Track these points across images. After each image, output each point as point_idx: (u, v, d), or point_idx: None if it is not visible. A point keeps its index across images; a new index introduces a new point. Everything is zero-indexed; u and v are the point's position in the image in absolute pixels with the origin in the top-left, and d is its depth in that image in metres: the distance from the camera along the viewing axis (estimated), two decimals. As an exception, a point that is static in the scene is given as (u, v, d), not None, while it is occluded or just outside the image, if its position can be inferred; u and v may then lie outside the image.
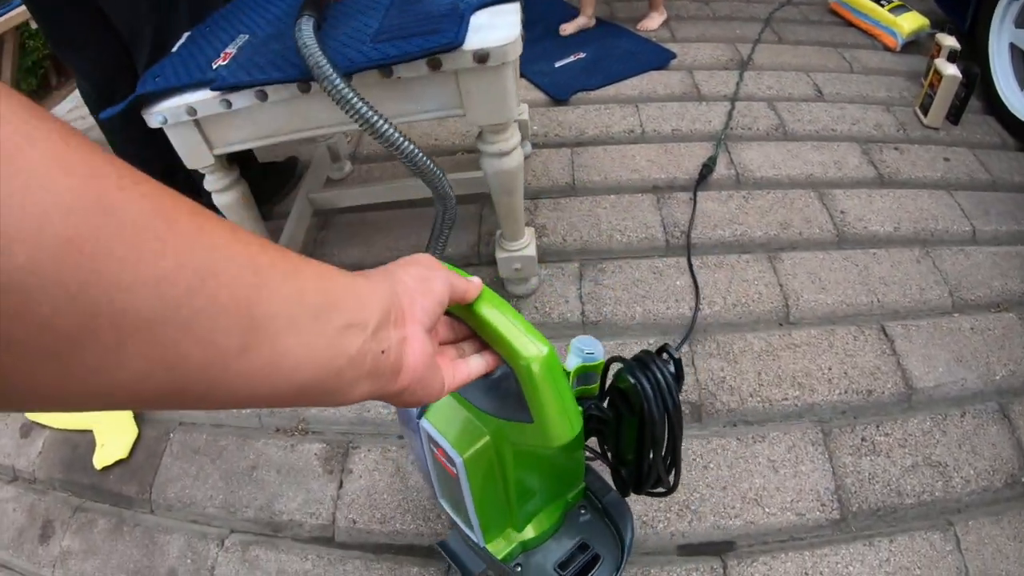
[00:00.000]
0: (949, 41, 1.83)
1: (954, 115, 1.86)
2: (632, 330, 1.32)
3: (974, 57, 1.93)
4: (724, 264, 1.42)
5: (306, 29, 0.84)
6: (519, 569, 0.80)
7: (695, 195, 1.58)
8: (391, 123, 0.81)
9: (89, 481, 1.31)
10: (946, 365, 1.23)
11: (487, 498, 0.71)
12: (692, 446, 1.11)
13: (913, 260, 1.44)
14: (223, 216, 1.17)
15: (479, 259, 1.48)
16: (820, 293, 1.35)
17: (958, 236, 1.52)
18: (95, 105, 1.63)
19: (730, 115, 1.85)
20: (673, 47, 2.20)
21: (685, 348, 1.26)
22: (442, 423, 0.65)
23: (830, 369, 1.22)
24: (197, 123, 0.99)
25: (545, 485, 0.76)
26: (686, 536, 1.02)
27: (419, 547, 1.07)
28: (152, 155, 1.38)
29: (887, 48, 2.28)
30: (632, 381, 0.63)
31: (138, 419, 1.39)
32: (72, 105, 2.85)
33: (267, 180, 1.74)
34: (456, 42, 0.81)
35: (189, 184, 1.35)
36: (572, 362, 0.64)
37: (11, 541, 1.29)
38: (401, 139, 0.84)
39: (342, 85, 0.78)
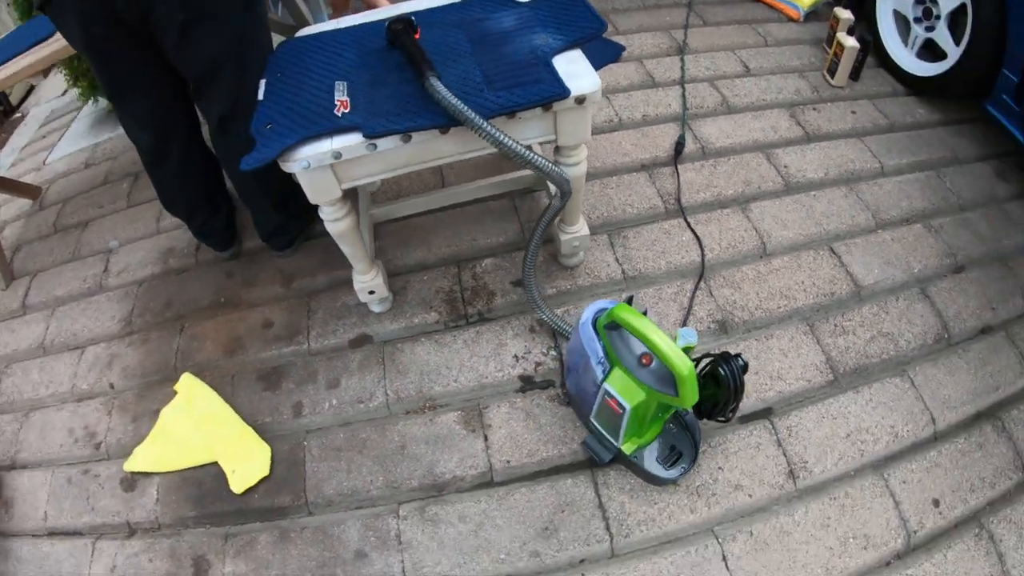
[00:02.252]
0: (845, 15, 2.49)
1: (855, 74, 2.52)
2: (661, 278, 1.86)
3: (864, 20, 2.62)
4: (712, 219, 1.99)
5: (439, 86, 1.26)
6: (635, 459, 1.47)
7: (676, 168, 2.14)
8: (523, 146, 1.29)
9: (232, 507, 1.62)
10: (879, 267, 1.87)
11: (632, 424, 1.39)
12: (726, 348, 1.68)
13: (842, 196, 2.08)
14: (342, 246, 1.60)
15: (525, 243, 1.93)
16: (784, 230, 1.96)
17: (871, 172, 2.17)
18: (153, 155, 1.89)
19: (684, 97, 2.42)
20: (620, 39, 2.76)
21: (702, 284, 1.83)
22: (618, 387, 1.34)
23: (803, 282, 1.83)
24: (333, 164, 1.37)
25: (661, 416, 1.45)
26: (740, 411, 1.58)
27: (564, 465, 1.56)
28: (273, 182, 1.76)
29: (791, 20, 2.95)
30: (721, 371, 1.32)
31: (266, 438, 1.70)
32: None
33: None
34: (565, 93, 1.28)
35: (302, 207, 1.66)
36: (680, 343, 1.28)
37: None
38: (538, 159, 1.32)
39: (491, 128, 1.24)
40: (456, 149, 1.39)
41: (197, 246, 2.27)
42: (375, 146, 1.31)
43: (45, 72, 3.02)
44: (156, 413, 1.86)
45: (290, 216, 2.00)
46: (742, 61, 2.62)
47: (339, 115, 1.34)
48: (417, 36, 1.47)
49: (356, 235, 1.58)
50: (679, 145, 2.19)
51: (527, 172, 1.90)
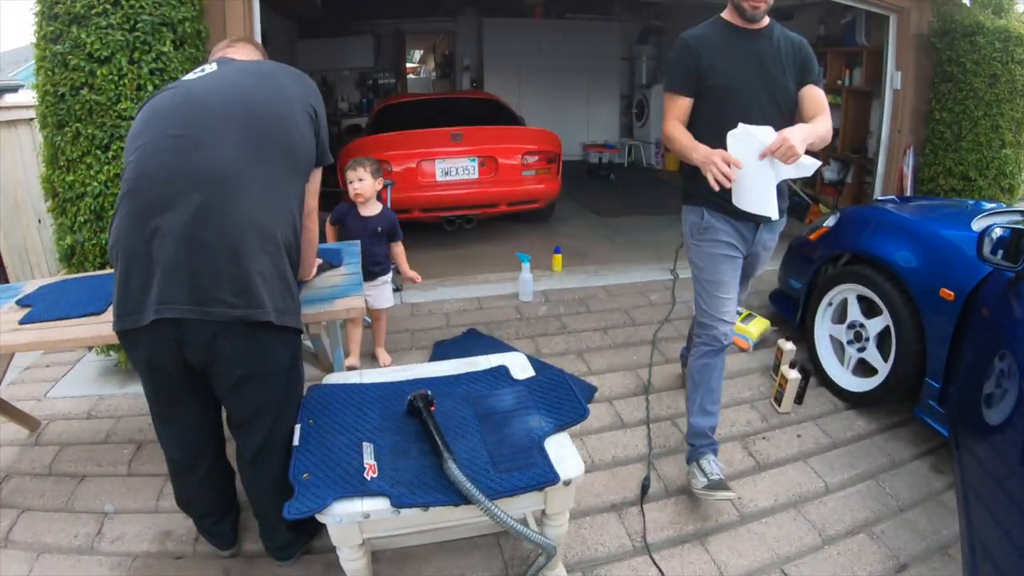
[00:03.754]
0: (788, 346, 3.08)
1: (799, 399, 3.07)
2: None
3: (806, 345, 3.20)
4: (674, 554, 2.32)
5: (456, 472, 1.63)
6: None
7: (642, 508, 2.50)
8: (521, 525, 1.65)
9: None
10: None
11: None
12: None
13: (791, 519, 2.46)
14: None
15: None
16: (739, 559, 2.29)
17: (816, 492, 2.60)
18: (181, 467, 2.17)
19: (649, 438, 2.86)
20: (592, 379, 3.30)
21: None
22: None
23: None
24: (362, 523, 1.68)
25: None
26: None
27: None
28: None
29: (742, 350, 3.54)
30: None
31: None
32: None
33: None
34: (556, 479, 1.67)
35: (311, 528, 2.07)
36: None
37: None
38: (534, 536, 1.67)
39: (499, 513, 1.59)
40: (466, 516, 1.74)
41: (196, 536, 2.47)
42: (399, 512, 1.65)
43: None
44: None
45: (300, 534, 2.28)
46: (699, 397, 3.12)
47: (368, 479, 1.70)
48: (432, 409, 1.90)
49: (368, 571, 1.87)
50: (645, 486, 2.57)
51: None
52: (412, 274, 3.56)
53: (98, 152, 3.39)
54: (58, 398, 3.87)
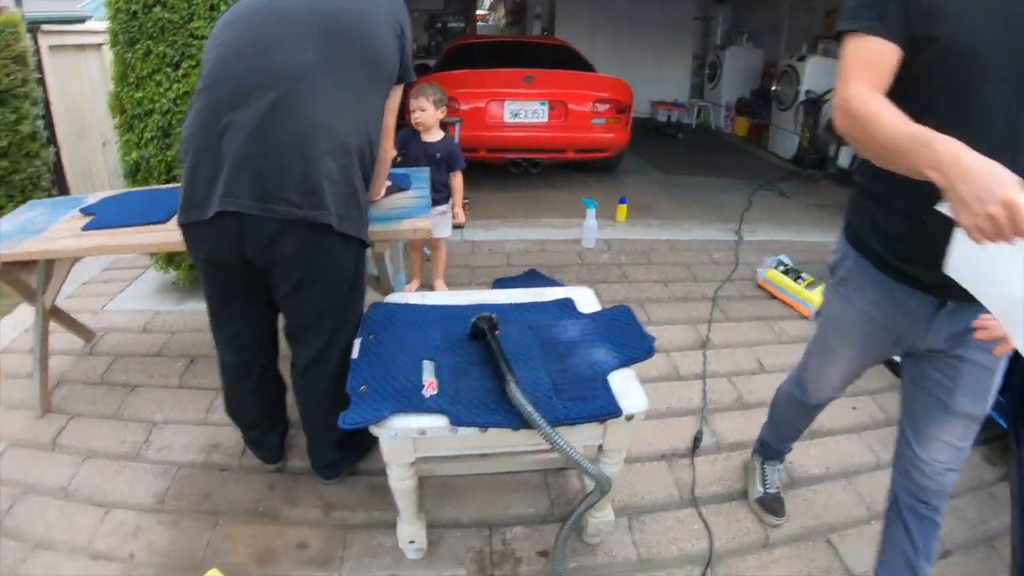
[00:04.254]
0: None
1: (858, 372, 2.93)
2: (672, 563, 2.14)
3: None
4: (721, 510, 2.32)
5: (519, 395, 1.62)
6: None
7: (693, 461, 2.51)
8: (579, 455, 1.66)
9: None
10: (872, 557, 2.07)
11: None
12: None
13: (841, 489, 2.44)
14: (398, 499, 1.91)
15: (553, 517, 2.24)
16: (786, 523, 2.27)
17: (868, 465, 2.55)
18: (234, 372, 2.24)
19: (704, 393, 2.85)
20: (652, 329, 3.24)
21: (708, 572, 2.11)
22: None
23: (799, 572, 2.13)
24: (418, 440, 1.70)
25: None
26: None
27: None
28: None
29: (803, 317, 3.49)
30: None
31: None
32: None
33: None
34: (619, 412, 1.66)
35: (359, 447, 2.19)
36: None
37: None
38: (591, 467, 1.66)
39: (559, 439, 1.58)
40: (522, 442, 1.74)
41: (243, 449, 2.56)
42: (456, 431, 1.67)
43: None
44: None
45: (347, 453, 2.34)
46: (758, 358, 3.10)
47: (427, 396, 1.70)
48: (496, 333, 1.91)
49: (416, 493, 1.90)
50: (697, 440, 2.57)
51: (555, 454, 2.26)
52: (459, 211, 3.58)
53: (168, 70, 3.44)
54: (114, 311, 4.01)
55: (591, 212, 4.37)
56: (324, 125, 1.80)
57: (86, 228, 2.64)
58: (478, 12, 14.99)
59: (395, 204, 2.51)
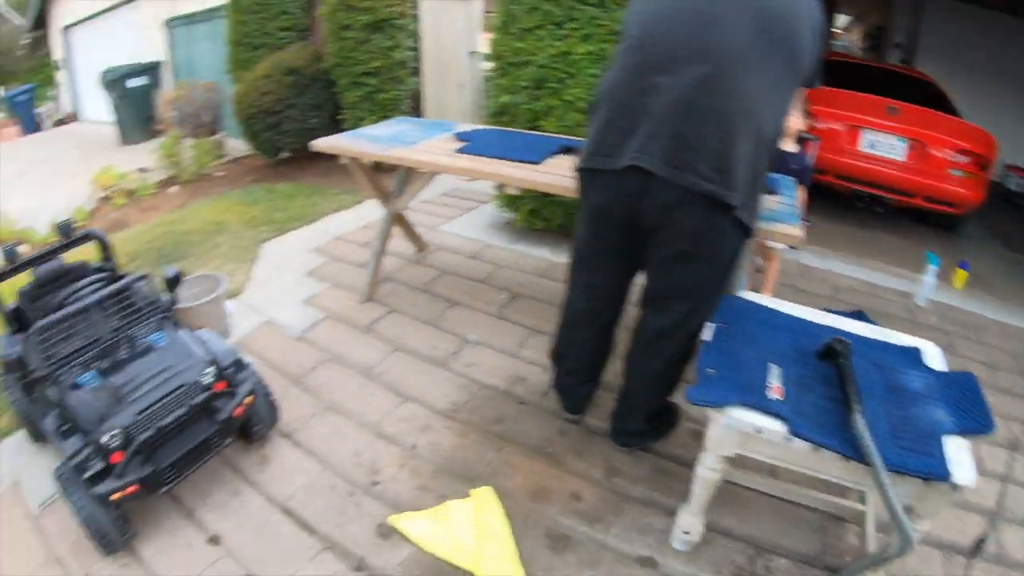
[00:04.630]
0: None
1: None
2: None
3: None
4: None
5: (864, 430, 1.55)
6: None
7: (970, 562, 2.17)
8: (901, 509, 1.53)
9: None
10: None
11: None
12: None
13: None
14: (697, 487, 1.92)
15: (820, 564, 2.09)
16: None
17: None
18: (576, 319, 2.35)
19: (1000, 496, 2.44)
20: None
21: None
22: None
23: None
24: (748, 436, 1.69)
25: None
26: None
27: None
28: (659, 401, 2.29)
29: None
30: None
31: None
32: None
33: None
34: (947, 477, 1.51)
35: (664, 426, 2.29)
36: None
37: None
38: (906, 521, 1.52)
39: (887, 480, 1.48)
40: (843, 474, 1.68)
41: (546, 391, 2.73)
42: (791, 441, 1.65)
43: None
44: (443, 498, 2.28)
45: (650, 429, 2.41)
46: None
47: (770, 398, 1.71)
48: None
49: (715, 488, 1.92)
50: (980, 542, 2.20)
51: (848, 502, 2.18)
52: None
53: (551, 27, 3.70)
54: (447, 233, 4.47)
55: (933, 269, 4.02)
56: (748, 108, 1.82)
57: (460, 151, 2.95)
58: (833, 29, 14.20)
59: (765, 205, 2.46)
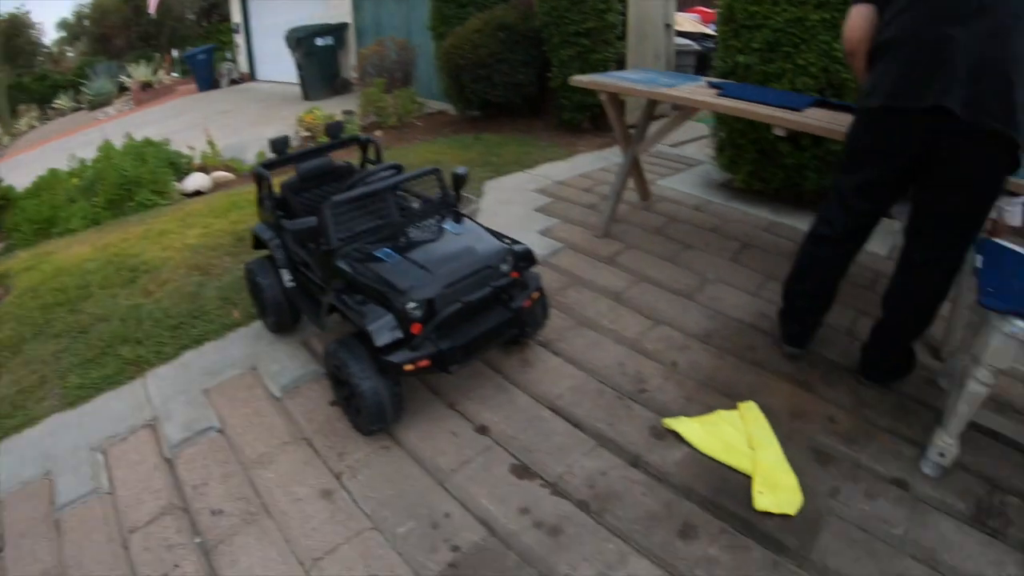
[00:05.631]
0: None
1: None
2: None
3: None
4: None
5: None
6: None
7: None
8: None
9: (743, 514, 2.08)
10: None
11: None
12: None
13: None
14: (962, 403, 2.13)
15: None
16: None
17: None
18: (825, 234, 2.57)
19: None
20: None
21: None
22: None
23: None
24: None
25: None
26: None
27: None
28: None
29: None
30: None
31: (803, 487, 2.15)
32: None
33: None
34: None
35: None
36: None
37: (639, 519, 2.05)
38: None
39: None
40: None
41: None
42: None
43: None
44: (710, 408, 2.55)
45: (903, 363, 2.67)
46: None
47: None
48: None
49: (978, 406, 2.15)
50: None
51: None
52: None
53: None
54: (666, 187, 4.76)
55: None
56: (1021, 57, 2.08)
57: (721, 95, 3.24)
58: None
59: None
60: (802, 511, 2.14)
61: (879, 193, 2.46)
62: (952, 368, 2.62)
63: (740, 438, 2.43)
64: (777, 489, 2.20)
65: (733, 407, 2.58)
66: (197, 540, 2.13)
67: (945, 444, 2.27)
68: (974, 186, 2.24)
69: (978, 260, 2.28)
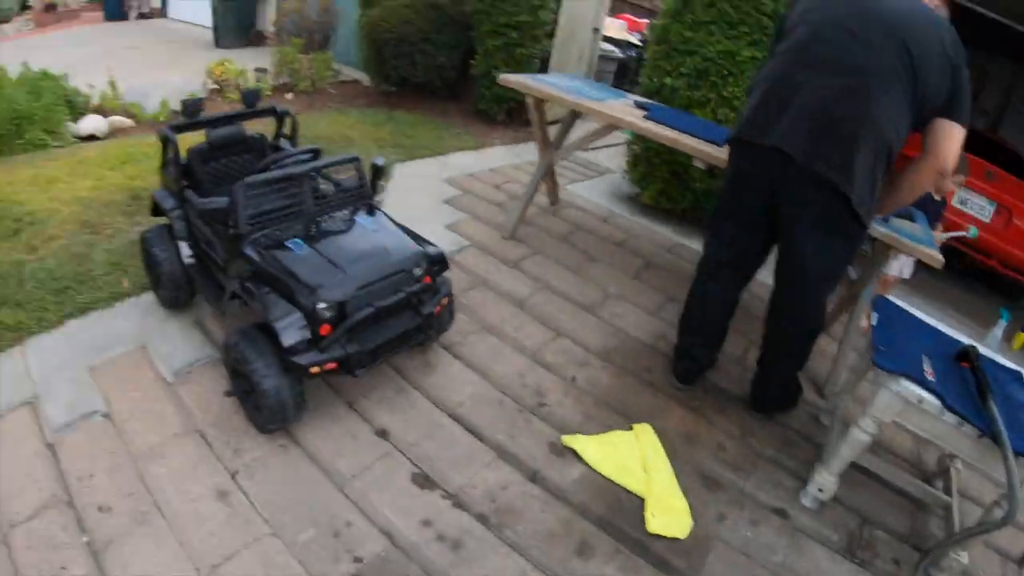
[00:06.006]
0: None
1: None
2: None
3: None
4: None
5: (996, 410, 1.91)
6: None
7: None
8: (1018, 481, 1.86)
9: (635, 535, 2.15)
10: None
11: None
12: None
13: None
14: (845, 448, 2.27)
15: (908, 541, 2.43)
16: None
17: None
18: (714, 270, 2.66)
19: None
20: None
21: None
22: None
23: None
24: (909, 405, 2.07)
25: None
26: None
27: None
28: (793, 380, 2.70)
29: None
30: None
31: (693, 511, 2.25)
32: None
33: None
34: None
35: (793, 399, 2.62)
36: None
37: (538, 535, 2.08)
38: (1018, 485, 1.86)
39: (1011, 452, 1.84)
40: (971, 452, 2.07)
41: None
42: (943, 413, 2.04)
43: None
44: (607, 427, 2.59)
45: (784, 395, 2.82)
46: None
47: (929, 378, 2.10)
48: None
49: (860, 453, 2.29)
50: None
51: (937, 492, 2.54)
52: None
53: (724, 25, 4.08)
54: (574, 194, 4.81)
55: (1003, 324, 4.37)
56: (874, 125, 2.19)
57: (647, 118, 3.29)
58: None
59: (904, 226, 2.80)
60: (691, 534, 2.23)
61: (744, 220, 2.55)
62: (834, 406, 2.78)
63: (635, 460, 2.48)
64: (669, 512, 2.27)
65: (629, 427, 2.64)
66: (85, 539, 1.92)
67: (825, 481, 2.40)
68: (820, 235, 2.35)
69: (874, 318, 2.43)
